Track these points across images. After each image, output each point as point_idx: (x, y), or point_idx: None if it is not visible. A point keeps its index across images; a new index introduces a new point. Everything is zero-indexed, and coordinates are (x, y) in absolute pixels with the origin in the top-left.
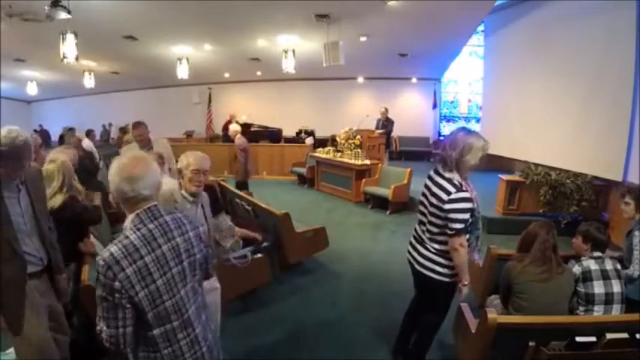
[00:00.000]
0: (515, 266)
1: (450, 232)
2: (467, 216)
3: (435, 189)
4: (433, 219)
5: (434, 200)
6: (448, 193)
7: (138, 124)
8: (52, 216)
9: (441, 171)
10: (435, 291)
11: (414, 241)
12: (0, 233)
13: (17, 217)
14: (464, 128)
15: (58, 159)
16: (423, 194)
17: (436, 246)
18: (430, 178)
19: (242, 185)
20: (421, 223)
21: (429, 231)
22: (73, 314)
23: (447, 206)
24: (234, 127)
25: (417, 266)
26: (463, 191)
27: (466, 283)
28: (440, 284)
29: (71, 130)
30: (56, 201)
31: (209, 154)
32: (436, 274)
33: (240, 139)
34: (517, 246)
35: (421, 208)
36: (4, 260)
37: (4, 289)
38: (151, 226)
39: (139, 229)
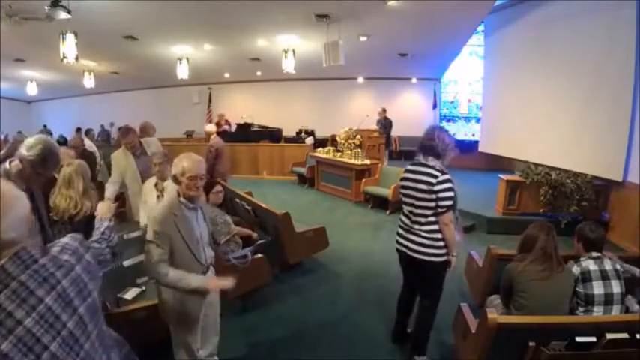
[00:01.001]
0: (517, 266)
1: (440, 210)
2: (453, 194)
3: (422, 177)
4: (424, 203)
5: (423, 187)
6: (435, 177)
7: (127, 132)
8: (85, 221)
9: (422, 160)
10: (429, 272)
11: (402, 232)
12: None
13: None
14: (442, 127)
15: (74, 162)
16: (407, 187)
17: (427, 227)
18: (412, 171)
19: None
20: (410, 213)
21: (420, 215)
22: None
23: (437, 187)
24: (209, 128)
25: (410, 253)
26: (446, 174)
27: (455, 254)
28: (433, 264)
29: (44, 129)
30: (85, 206)
31: None
32: (428, 255)
33: (214, 139)
34: (517, 249)
35: (407, 200)
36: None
37: None
38: (23, 277)
39: (6, 286)
